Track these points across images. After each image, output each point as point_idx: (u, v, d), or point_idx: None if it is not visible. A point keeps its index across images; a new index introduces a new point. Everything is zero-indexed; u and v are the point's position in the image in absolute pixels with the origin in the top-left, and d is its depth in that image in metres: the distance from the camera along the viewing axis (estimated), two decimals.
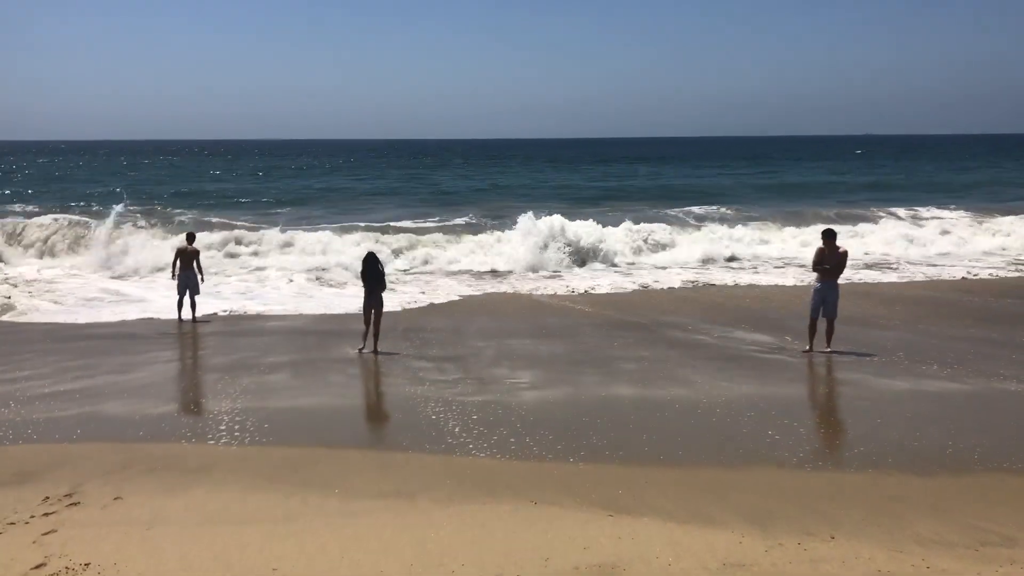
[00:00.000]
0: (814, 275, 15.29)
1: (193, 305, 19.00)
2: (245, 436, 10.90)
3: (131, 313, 19.94)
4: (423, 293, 22.59)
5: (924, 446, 10.10)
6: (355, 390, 13.56)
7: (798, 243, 30.72)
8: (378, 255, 16.05)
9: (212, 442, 10.70)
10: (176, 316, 18.92)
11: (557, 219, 29.22)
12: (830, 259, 14.87)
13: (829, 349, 14.88)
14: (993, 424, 11.03)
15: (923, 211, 39.56)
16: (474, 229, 33.47)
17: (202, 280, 19.32)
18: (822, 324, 14.97)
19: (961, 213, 38.61)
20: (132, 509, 8.55)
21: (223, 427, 11.26)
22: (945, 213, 38.82)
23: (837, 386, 12.96)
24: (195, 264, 19.13)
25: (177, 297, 19.08)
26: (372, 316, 15.37)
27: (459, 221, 36.67)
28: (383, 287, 15.45)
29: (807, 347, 15.02)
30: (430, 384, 13.22)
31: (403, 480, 9.11)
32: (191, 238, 19.88)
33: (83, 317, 19.46)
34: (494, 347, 15.92)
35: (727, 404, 12.03)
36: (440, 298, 21.83)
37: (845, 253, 15.02)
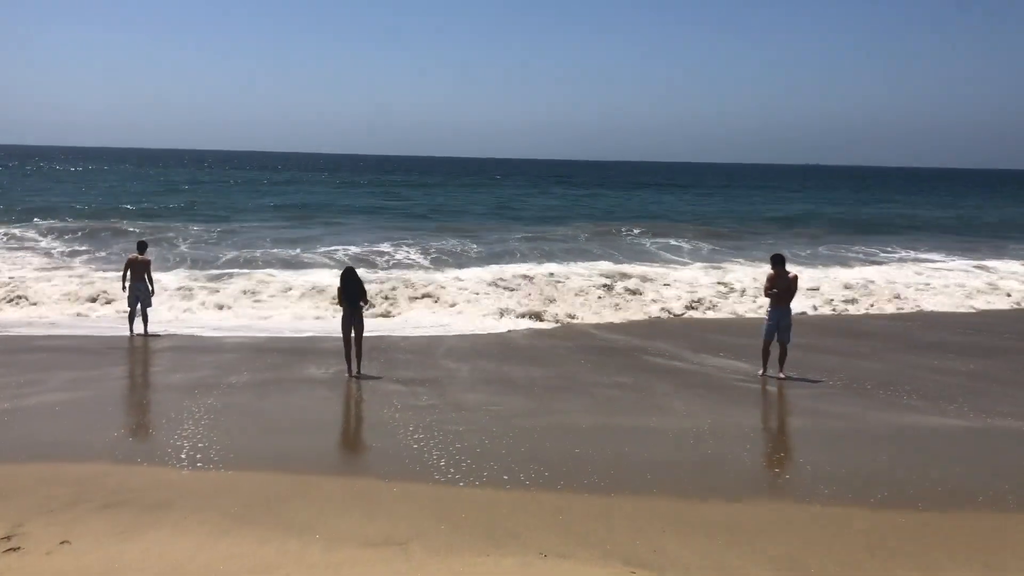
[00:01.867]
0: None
1: (145, 318, 17.57)
2: (209, 466, 9.61)
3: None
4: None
5: (947, 485, 9.22)
6: (326, 415, 12.29)
7: None
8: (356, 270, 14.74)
9: (173, 473, 9.38)
10: (127, 330, 17.46)
11: None
12: (780, 284, 14.38)
13: (783, 375, 14.34)
14: (1008, 464, 10.21)
15: None
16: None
17: (153, 292, 17.89)
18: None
19: None
20: (82, 556, 7.25)
21: (184, 455, 9.94)
22: None
23: (827, 419, 12.00)
24: (146, 275, 17.72)
25: (128, 309, 17.66)
26: (352, 336, 14.12)
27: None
28: (364, 302, 14.23)
29: (761, 371, 14.59)
30: (406, 410, 12.02)
31: (392, 524, 7.93)
32: (142, 247, 18.44)
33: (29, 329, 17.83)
34: (466, 370, 14.79)
35: (717, 434, 11.11)
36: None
37: (795, 278, 14.59)
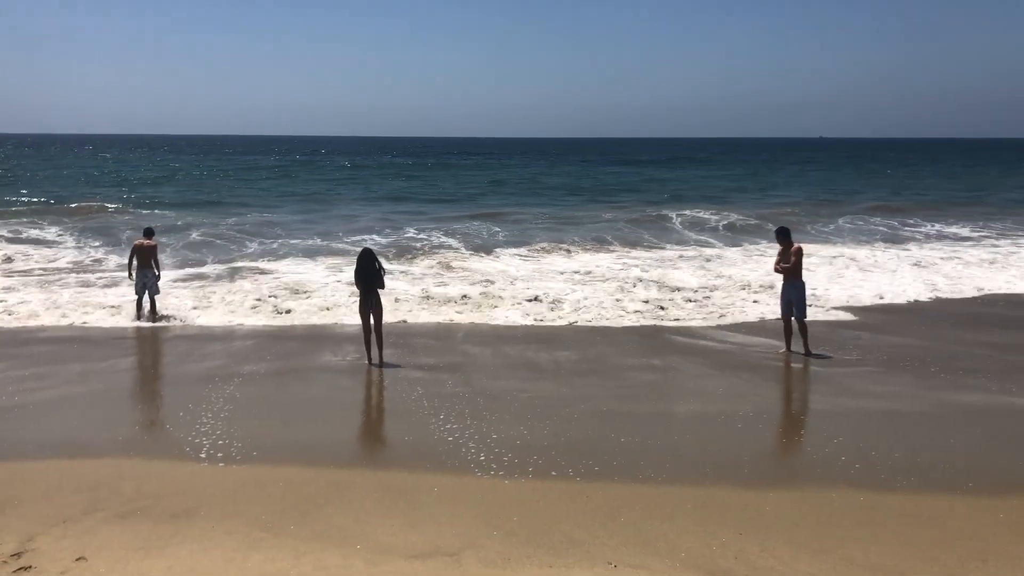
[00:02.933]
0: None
1: (153, 305, 16.63)
2: (232, 466, 8.73)
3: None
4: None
5: None
6: (351, 406, 11.41)
7: None
8: (374, 252, 13.64)
9: (194, 475, 8.48)
10: (135, 319, 16.50)
11: None
12: (785, 257, 13.70)
13: (804, 352, 13.54)
14: None
15: None
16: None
17: (158, 278, 16.94)
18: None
19: None
20: (101, 575, 6.37)
21: (204, 454, 9.06)
22: None
23: (875, 399, 11.09)
24: (153, 261, 16.78)
25: (135, 298, 16.72)
26: (371, 321, 13.17)
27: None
28: (380, 286, 13.23)
29: (784, 348, 13.85)
30: (433, 398, 11.13)
31: (438, 531, 7.05)
32: (149, 233, 17.49)
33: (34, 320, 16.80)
34: (488, 354, 13.88)
35: (764, 419, 10.33)
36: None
37: (798, 250, 13.79)
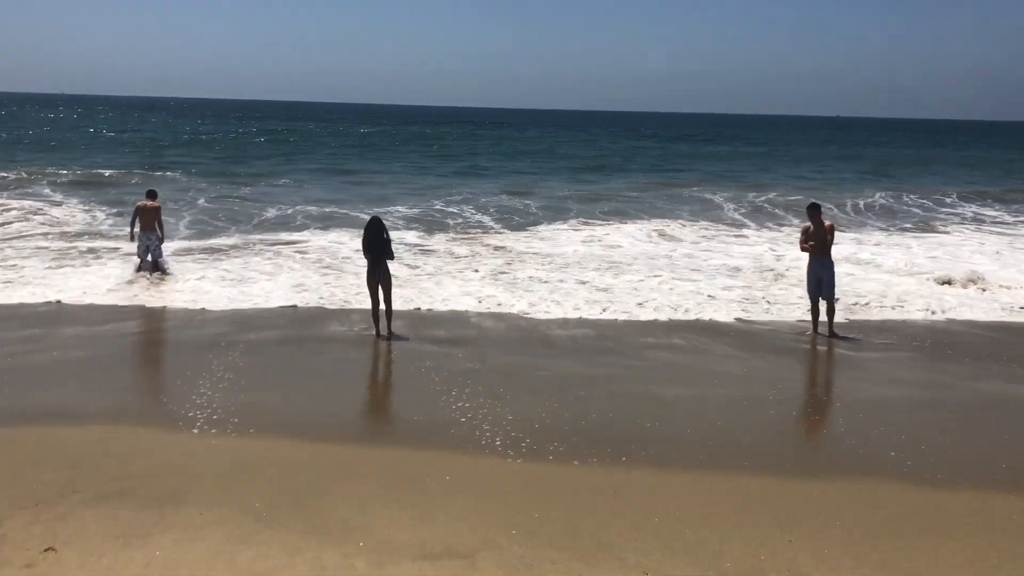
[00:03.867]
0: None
1: (156, 265, 15.87)
2: (227, 443, 7.89)
3: None
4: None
5: None
6: (357, 382, 10.58)
7: None
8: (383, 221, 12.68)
9: (184, 453, 7.64)
10: (137, 279, 15.65)
11: None
12: (816, 235, 12.71)
13: (829, 334, 12.68)
14: None
15: None
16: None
17: (161, 240, 16.11)
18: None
19: None
20: (70, 570, 5.54)
21: (196, 429, 8.22)
22: None
23: (908, 387, 10.18)
24: (157, 223, 15.96)
25: (137, 260, 15.90)
26: (379, 292, 12.31)
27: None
28: (389, 257, 12.34)
29: (810, 330, 12.95)
30: (443, 373, 10.27)
31: (451, 527, 6.18)
32: (152, 194, 16.65)
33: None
34: (502, 328, 13.01)
35: (799, 406, 9.54)
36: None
37: (831, 227, 12.85)
